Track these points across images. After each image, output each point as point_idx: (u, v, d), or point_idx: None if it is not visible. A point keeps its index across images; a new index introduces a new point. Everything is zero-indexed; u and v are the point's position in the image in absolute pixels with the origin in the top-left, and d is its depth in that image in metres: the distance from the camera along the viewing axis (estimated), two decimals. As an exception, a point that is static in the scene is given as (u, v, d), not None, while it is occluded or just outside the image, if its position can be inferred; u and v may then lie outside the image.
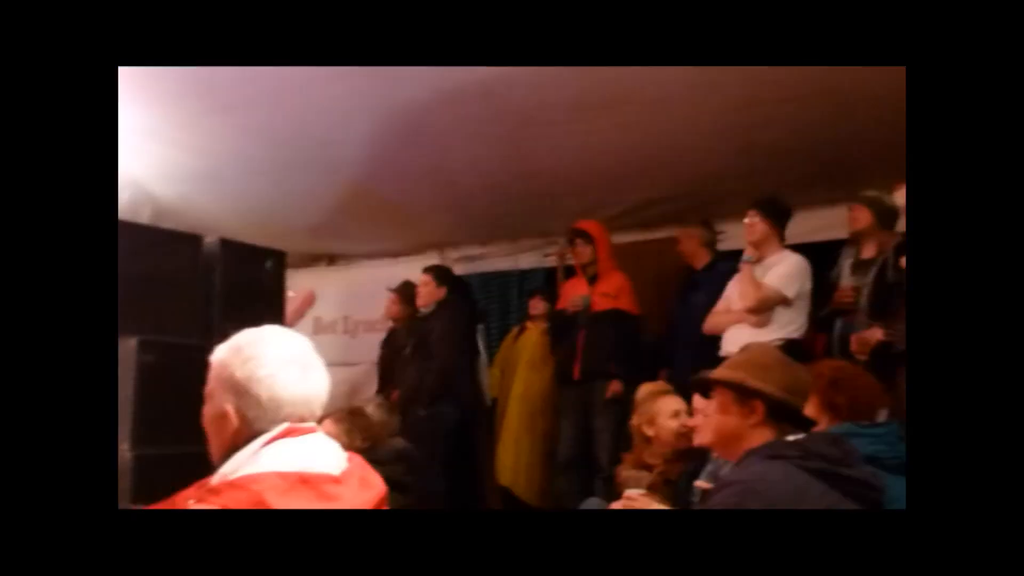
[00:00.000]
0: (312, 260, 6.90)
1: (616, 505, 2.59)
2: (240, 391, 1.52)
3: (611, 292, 4.80)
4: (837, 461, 1.91)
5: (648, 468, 3.12)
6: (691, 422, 2.99)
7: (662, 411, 3.14)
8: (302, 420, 1.55)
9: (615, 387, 4.59)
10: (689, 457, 2.98)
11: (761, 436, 2.01)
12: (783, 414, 2.03)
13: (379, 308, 5.96)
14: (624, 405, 4.16)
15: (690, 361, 3.34)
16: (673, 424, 3.09)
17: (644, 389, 3.31)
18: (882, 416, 3.57)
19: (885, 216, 3.95)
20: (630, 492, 2.58)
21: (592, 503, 3.17)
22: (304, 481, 1.44)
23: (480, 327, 5.72)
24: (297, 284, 6.53)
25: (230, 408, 1.51)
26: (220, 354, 1.57)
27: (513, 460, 5.16)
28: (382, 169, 4.62)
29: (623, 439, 3.67)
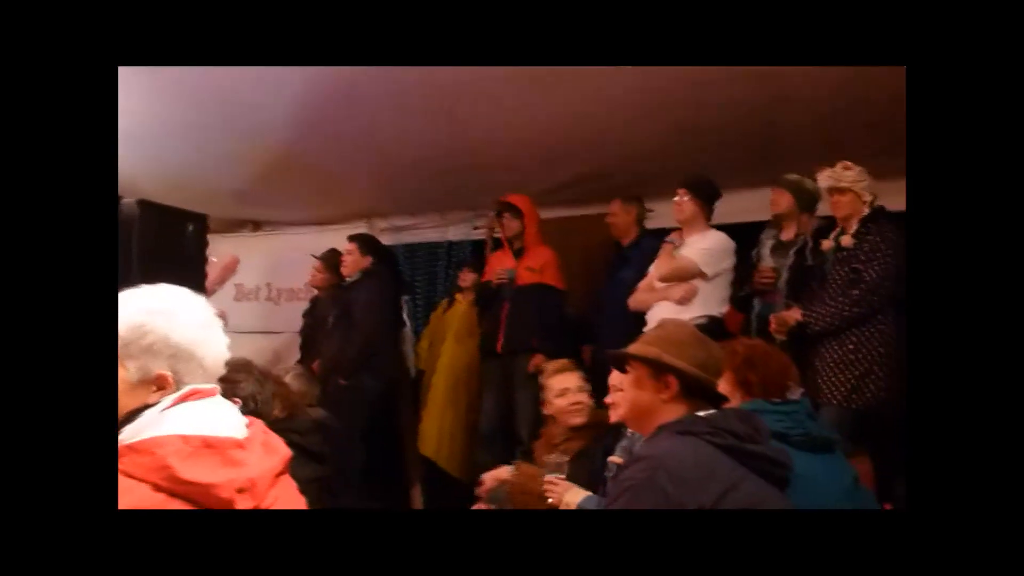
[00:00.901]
0: (236, 226, 6.79)
1: (509, 475, 2.64)
2: (182, 355, 1.47)
3: (536, 267, 4.80)
4: (746, 437, 1.94)
5: (553, 444, 3.16)
6: (586, 398, 3.05)
7: (552, 390, 3.17)
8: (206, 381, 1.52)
9: (537, 361, 4.59)
10: (583, 435, 3.02)
11: (674, 411, 2.03)
12: (696, 390, 2.05)
13: (303, 276, 5.88)
14: (546, 380, 4.19)
15: (616, 337, 3.36)
16: (560, 403, 3.12)
17: (547, 367, 3.33)
18: (796, 394, 3.67)
19: (805, 200, 4.02)
20: (550, 477, 2.59)
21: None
22: (209, 445, 1.41)
23: (406, 298, 5.67)
24: (219, 250, 6.43)
25: (166, 372, 1.46)
26: (130, 319, 1.50)
27: (437, 431, 5.18)
28: (309, 136, 4.54)
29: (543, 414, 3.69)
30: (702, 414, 2.02)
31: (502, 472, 3.01)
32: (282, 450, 1.57)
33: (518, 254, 4.90)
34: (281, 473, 1.55)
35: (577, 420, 3.06)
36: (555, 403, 3.15)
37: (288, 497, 1.56)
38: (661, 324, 2.34)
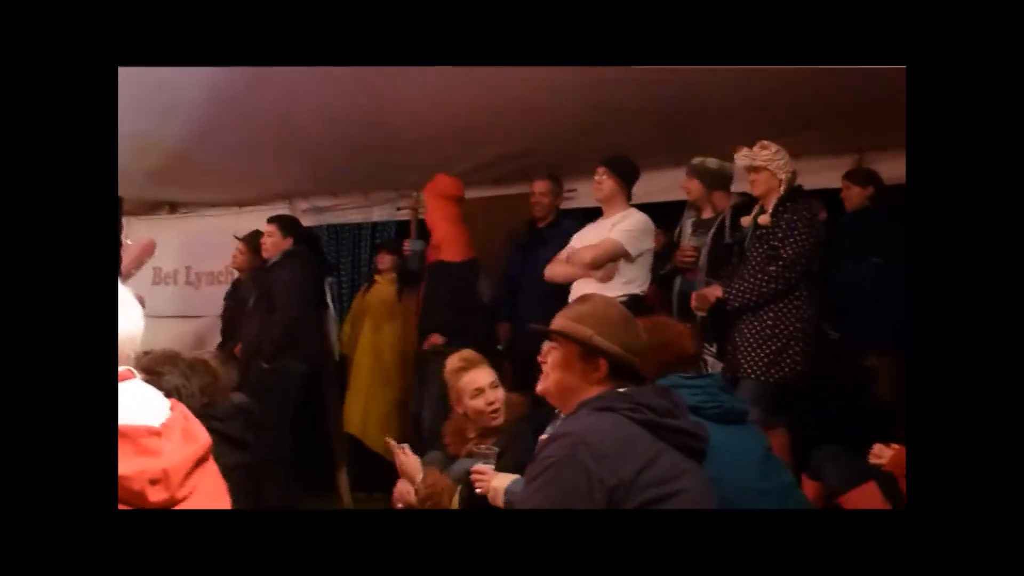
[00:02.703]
0: (152, 207, 6.63)
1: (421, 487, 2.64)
2: None
3: (436, 244, 4.85)
4: (664, 412, 1.96)
5: (467, 439, 3.09)
6: (501, 395, 2.99)
7: (465, 390, 3.03)
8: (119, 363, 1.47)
9: (433, 340, 4.69)
10: (499, 433, 2.97)
11: (598, 391, 2.04)
12: (624, 371, 2.07)
13: (223, 259, 5.79)
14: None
15: (535, 316, 3.35)
16: (477, 404, 3.00)
17: (450, 363, 3.14)
18: (717, 368, 3.76)
19: (712, 180, 4.09)
20: (478, 467, 2.56)
21: (434, 456, 3.17)
22: (120, 435, 1.37)
23: (329, 280, 5.61)
24: (135, 232, 6.26)
25: None
26: None
27: (362, 411, 5.18)
28: (226, 114, 4.42)
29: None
30: (621, 390, 2.03)
31: (407, 486, 2.91)
32: (202, 437, 1.53)
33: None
34: (202, 461, 1.52)
35: (496, 422, 2.96)
36: (470, 404, 3.01)
37: (210, 486, 1.53)
38: (589, 299, 2.31)
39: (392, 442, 2.93)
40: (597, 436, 1.87)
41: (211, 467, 1.55)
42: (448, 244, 4.79)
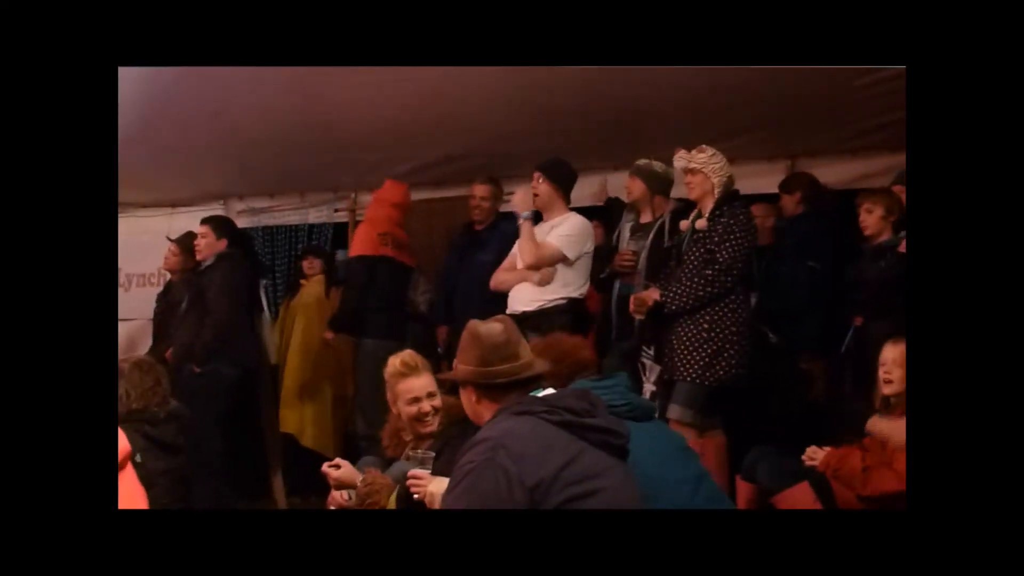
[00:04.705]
0: (81, 208, 6.43)
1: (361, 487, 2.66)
2: None
3: None
4: (583, 412, 2.02)
5: (403, 441, 3.06)
6: (437, 402, 2.94)
7: (401, 396, 2.98)
8: None
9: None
10: (435, 436, 2.93)
11: (489, 409, 2.13)
12: (496, 384, 2.13)
13: (155, 261, 5.67)
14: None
15: (473, 318, 3.30)
16: (411, 411, 2.94)
17: (391, 364, 3.07)
18: (655, 371, 3.78)
19: (656, 182, 4.11)
20: (415, 471, 2.53)
21: (367, 461, 3.13)
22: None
23: (264, 282, 5.53)
24: (63, 233, 6.06)
25: None
26: None
27: (298, 411, 5.21)
28: (155, 109, 4.30)
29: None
30: (540, 394, 2.10)
31: (341, 493, 2.85)
32: (122, 445, 1.49)
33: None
34: (120, 466, 1.48)
35: (428, 430, 2.92)
36: (405, 410, 2.97)
37: (127, 494, 1.49)
38: None
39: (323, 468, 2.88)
40: (515, 438, 1.93)
41: (129, 474, 1.52)
42: (354, 239, 4.90)
